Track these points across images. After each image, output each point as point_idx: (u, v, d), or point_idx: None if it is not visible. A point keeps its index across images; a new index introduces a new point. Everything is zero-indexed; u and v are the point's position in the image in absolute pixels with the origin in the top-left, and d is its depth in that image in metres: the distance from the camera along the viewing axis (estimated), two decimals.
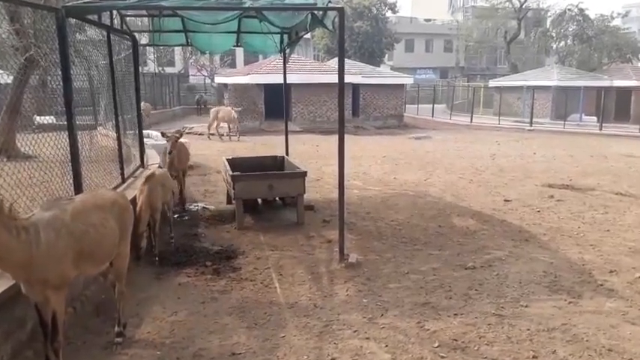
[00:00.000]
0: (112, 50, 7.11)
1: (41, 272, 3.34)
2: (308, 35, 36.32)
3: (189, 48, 32.35)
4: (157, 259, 6.14)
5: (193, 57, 40.63)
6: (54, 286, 3.44)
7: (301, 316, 4.87)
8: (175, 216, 8.55)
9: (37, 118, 10.99)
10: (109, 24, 7.26)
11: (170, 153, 7.83)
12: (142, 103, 22.72)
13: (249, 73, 24.48)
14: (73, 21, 5.70)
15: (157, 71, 36.72)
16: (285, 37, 9.90)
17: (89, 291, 5.19)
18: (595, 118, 27.99)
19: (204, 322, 4.75)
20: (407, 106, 34.29)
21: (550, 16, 44.01)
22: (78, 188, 5.43)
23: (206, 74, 40.96)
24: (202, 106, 33.06)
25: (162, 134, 8.29)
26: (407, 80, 30.34)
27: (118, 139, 7.42)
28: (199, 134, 21.93)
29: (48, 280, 3.40)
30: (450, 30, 55.88)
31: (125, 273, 4.41)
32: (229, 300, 5.24)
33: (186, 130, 9.57)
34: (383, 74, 29.91)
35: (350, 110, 25.45)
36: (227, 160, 9.12)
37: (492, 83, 36.20)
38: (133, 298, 5.19)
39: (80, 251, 3.59)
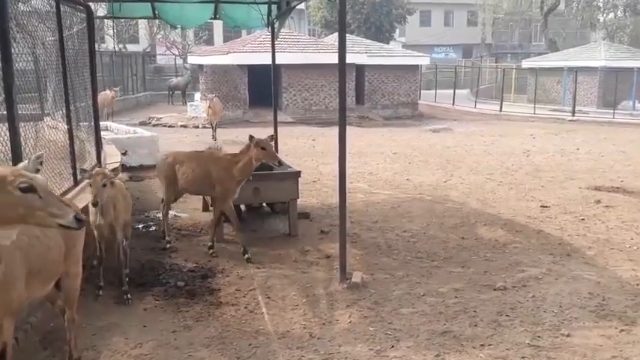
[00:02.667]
0: (62, 24, 7.10)
1: (2, 297, 3.35)
2: (302, 6, 36.41)
3: (157, 21, 32.49)
4: (127, 279, 6.07)
5: (161, 32, 40.64)
6: (12, 312, 3.46)
7: (294, 348, 4.86)
8: (140, 226, 8.56)
9: None
10: None
11: (95, 205, 5.43)
12: (107, 90, 22.80)
13: (229, 52, 24.50)
14: None
15: (117, 50, 36.74)
16: (274, 7, 9.92)
17: (34, 318, 5.17)
18: None
19: (176, 355, 4.75)
20: (422, 91, 34.40)
21: None
22: None
23: (177, 53, 40.96)
24: (181, 94, 32.53)
25: (83, 171, 6.00)
26: (422, 60, 30.40)
27: (70, 132, 7.40)
28: (169, 126, 22.00)
29: (9, 305, 3.42)
30: None
31: (76, 296, 4.40)
32: (206, 329, 5.23)
33: (122, 160, 8.55)
34: (393, 53, 29.96)
35: (353, 97, 25.51)
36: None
37: (526, 64, 36.30)
38: (88, 327, 5.19)
39: (30, 268, 3.61)
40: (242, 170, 7.11)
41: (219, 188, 7.22)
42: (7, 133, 5.32)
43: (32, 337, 4.94)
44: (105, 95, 22.14)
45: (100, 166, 8.38)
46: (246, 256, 7.05)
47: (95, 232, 5.74)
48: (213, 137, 18.77)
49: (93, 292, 5.81)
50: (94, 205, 5.33)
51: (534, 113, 28.49)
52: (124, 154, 11.13)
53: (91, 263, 6.32)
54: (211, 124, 19.62)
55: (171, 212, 9.28)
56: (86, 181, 7.33)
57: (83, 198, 6.32)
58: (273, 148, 7.38)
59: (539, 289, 6.17)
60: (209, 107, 19.17)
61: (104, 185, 5.34)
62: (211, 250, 7.31)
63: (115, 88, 24.03)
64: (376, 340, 5.02)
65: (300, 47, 24.98)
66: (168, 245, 7.53)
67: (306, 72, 24.87)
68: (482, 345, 4.93)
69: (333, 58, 6.66)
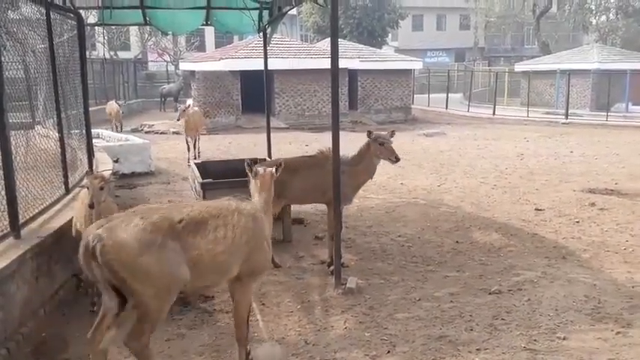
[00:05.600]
0: (52, 32, 7.10)
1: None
2: (293, 11, 36.48)
3: (148, 28, 32.46)
4: None
5: (153, 39, 40.62)
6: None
7: (289, 355, 4.86)
8: None
9: None
10: None
11: (92, 207, 5.31)
12: (113, 101, 22.41)
13: (221, 58, 24.50)
14: None
15: (108, 57, 36.71)
16: (266, 13, 9.94)
17: (26, 329, 5.15)
18: None
19: None
20: (415, 96, 34.52)
21: None
22: (11, 201, 5.40)
23: (169, 60, 40.96)
24: (174, 100, 32.46)
25: (87, 172, 6.26)
26: (415, 65, 30.52)
27: (61, 140, 7.39)
28: (161, 133, 22.00)
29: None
30: (466, 3, 56.25)
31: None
32: (200, 337, 5.22)
33: (113, 173, 6.87)
34: (386, 57, 30.06)
35: (346, 102, 25.55)
36: (196, 164, 9.11)
37: (519, 67, 36.45)
38: (81, 337, 5.16)
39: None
40: (366, 171, 6.98)
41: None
42: None
43: (24, 348, 4.92)
44: (111, 106, 21.87)
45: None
46: None
47: None
48: (195, 157, 14.30)
49: (86, 305, 5.79)
50: (91, 206, 5.30)
51: (528, 116, 28.60)
52: (115, 161, 11.11)
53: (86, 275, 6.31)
54: (187, 143, 15.05)
55: None
56: (77, 190, 7.34)
57: (75, 206, 6.30)
58: (393, 144, 7.03)
59: (535, 293, 6.18)
60: (185, 121, 14.70)
61: (101, 188, 5.34)
62: (331, 268, 6.70)
63: (120, 102, 23.54)
64: (372, 346, 5.02)
65: (293, 53, 25.02)
66: None
67: (298, 77, 24.90)
68: (478, 349, 4.93)
69: (326, 64, 6.68)
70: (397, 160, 6.90)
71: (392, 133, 7.02)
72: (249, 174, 4.78)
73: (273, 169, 4.74)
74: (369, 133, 6.84)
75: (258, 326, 5.44)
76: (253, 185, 4.74)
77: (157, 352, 4.92)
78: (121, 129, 20.80)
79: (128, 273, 3.72)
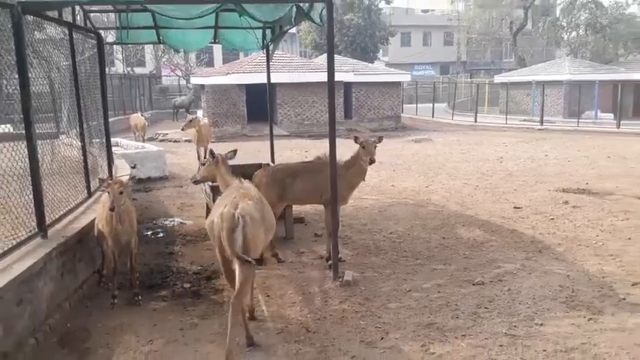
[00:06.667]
0: (74, 50, 7.09)
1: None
2: (293, 30, 36.49)
3: (162, 46, 32.49)
4: (137, 282, 6.00)
5: (166, 56, 40.64)
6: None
7: (292, 342, 4.85)
8: (148, 233, 8.53)
9: None
10: (72, 21, 7.24)
11: (113, 209, 5.34)
12: (137, 114, 21.90)
13: (228, 73, 24.49)
14: (30, 18, 5.68)
15: (125, 72, 36.70)
16: (268, 32, 9.94)
17: (53, 320, 5.14)
18: (612, 115, 28.29)
19: (184, 351, 4.73)
20: (404, 105, 34.50)
21: (560, 4, 44.67)
22: (38, 204, 5.40)
23: (180, 75, 40.95)
24: (185, 111, 32.31)
25: (101, 180, 6.00)
26: (404, 77, 30.52)
27: (83, 148, 7.38)
28: (174, 141, 21.99)
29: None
30: (450, 21, 56.40)
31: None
32: (211, 326, 5.21)
33: (130, 178, 6.42)
34: (377, 71, 30.04)
35: (342, 111, 25.55)
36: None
37: (498, 79, 36.50)
38: (101, 327, 5.16)
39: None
40: (358, 173, 6.88)
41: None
42: (26, 150, 5.32)
43: (51, 338, 4.91)
44: (138, 118, 21.02)
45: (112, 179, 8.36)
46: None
47: (110, 241, 5.68)
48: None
49: (107, 298, 5.78)
50: (112, 209, 5.31)
51: (506, 123, 28.63)
52: (133, 167, 11.10)
53: (107, 272, 6.31)
54: (197, 152, 14.42)
55: (176, 219, 9.30)
56: (98, 193, 7.32)
57: (96, 209, 6.29)
58: (375, 149, 6.81)
59: (514, 283, 6.18)
60: (197, 131, 14.20)
61: (121, 193, 5.34)
62: (329, 262, 6.67)
63: (146, 114, 22.65)
64: (367, 333, 5.01)
65: (293, 67, 25.01)
66: None
67: (298, 90, 24.89)
68: (463, 335, 4.93)
69: (323, 77, 6.64)
70: (372, 162, 6.74)
71: (379, 139, 6.95)
72: (211, 160, 5.86)
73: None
74: (356, 139, 6.82)
75: (263, 316, 5.43)
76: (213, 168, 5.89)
77: (172, 340, 4.92)
78: (143, 139, 20.48)
79: (253, 235, 4.48)
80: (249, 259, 4.31)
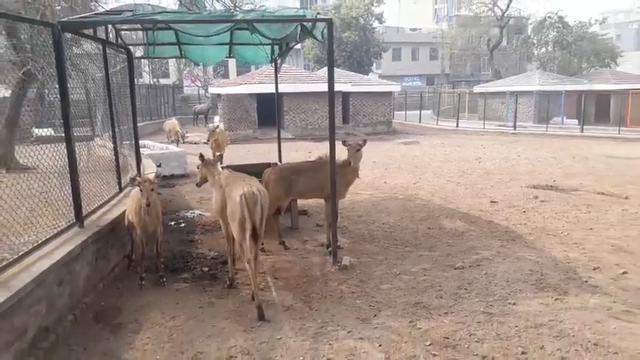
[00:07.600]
0: (107, 63, 7.09)
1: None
2: (298, 46, 36.42)
3: (183, 60, 32.36)
4: (162, 266, 6.00)
5: (187, 68, 40.57)
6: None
7: (297, 319, 4.86)
8: (172, 223, 8.53)
9: (36, 130, 10.94)
10: (105, 38, 7.24)
11: (148, 205, 5.36)
12: (172, 120, 21.31)
13: (241, 84, 24.45)
14: (69, 35, 5.68)
15: (151, 83, 36.66)
16: (276, 47, 9.91)
17: (88, 298, 5.16)
18: (576, 121, 28.19)
19: (202, 326, 4.73)
20: (395, 112, 34.42)
21: (531, 24, 44.36)
22: (76, 198, 5.41)
23: (200, 85, 40.90)
24: (204, 117, 32.12)
25: (132, 179, 5.98)
26: (394, 88, 30.41)
27: (115, 149, 7.39)
28: (194, 143, 21.99)
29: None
30: (435, 39, 56.19)
31: None
32: (226, 304, 5.22)
33: (156, 176, 5.85)
34: (371, 82, 29.97)
35: (340, 117, 25.48)
36: (221, 168, 9.10)
37: (477, 89, 36.35)
38: (130, 305, 5.17)
39: None
40: (352, 171, 6.74)
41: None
42: (66, 151, 5.33)
43: (87, 314, 4.92)
44: (171, 124, 20.62)
45: (140, 176, 8.36)
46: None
47: (139, 230, 5.69)
48: (220, 162, 12.13)
49: (136, 280, 5.79)
50: (148, 205, 5.32)
51: (484, 128, 28.53)
52: (158, 166, 11.11)
53: (135, 257, 6.32)
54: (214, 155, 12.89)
55: (196, 211, 9.30)
56: (129, 189, 7.33)
57: (127, 202, 6.30)
58: (361, 151, 6.69)
59: (491, 268, 6.18)
60: (214, 140, 13.83)
61: (152, 189, 5.36)
62: (329, 249, 6.63)
63: (180, 125, 21.42)
64: (362, 311, 5.02)
65: (298, 79, 24.97)
66: None
67: (302, 98, 24.85)
68: (446, 313, 4.93)
69: (324, 87, 6.63)
70: (349, 163, 6.59)
71: (364, 142, 6.77)
72: (201, 162, 6.05)
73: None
74: (344, 142, 6.76)
75: (272, 295, 5.43)
76: (204, 169, 6.07)
77: (192, 316, 4.93)
78: (178, 142, 19.89)
79: (266, 207, 5.01)
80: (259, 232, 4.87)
